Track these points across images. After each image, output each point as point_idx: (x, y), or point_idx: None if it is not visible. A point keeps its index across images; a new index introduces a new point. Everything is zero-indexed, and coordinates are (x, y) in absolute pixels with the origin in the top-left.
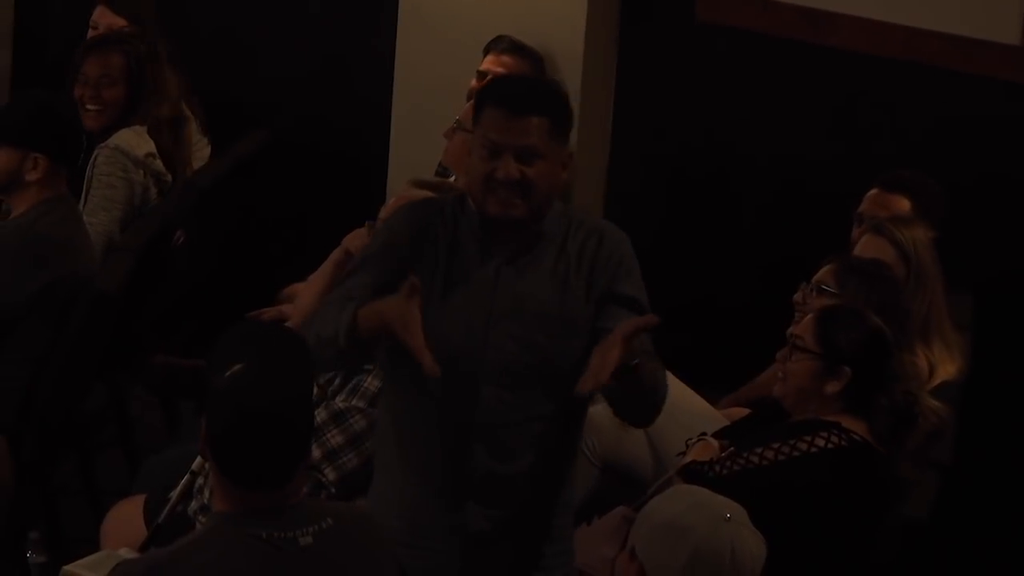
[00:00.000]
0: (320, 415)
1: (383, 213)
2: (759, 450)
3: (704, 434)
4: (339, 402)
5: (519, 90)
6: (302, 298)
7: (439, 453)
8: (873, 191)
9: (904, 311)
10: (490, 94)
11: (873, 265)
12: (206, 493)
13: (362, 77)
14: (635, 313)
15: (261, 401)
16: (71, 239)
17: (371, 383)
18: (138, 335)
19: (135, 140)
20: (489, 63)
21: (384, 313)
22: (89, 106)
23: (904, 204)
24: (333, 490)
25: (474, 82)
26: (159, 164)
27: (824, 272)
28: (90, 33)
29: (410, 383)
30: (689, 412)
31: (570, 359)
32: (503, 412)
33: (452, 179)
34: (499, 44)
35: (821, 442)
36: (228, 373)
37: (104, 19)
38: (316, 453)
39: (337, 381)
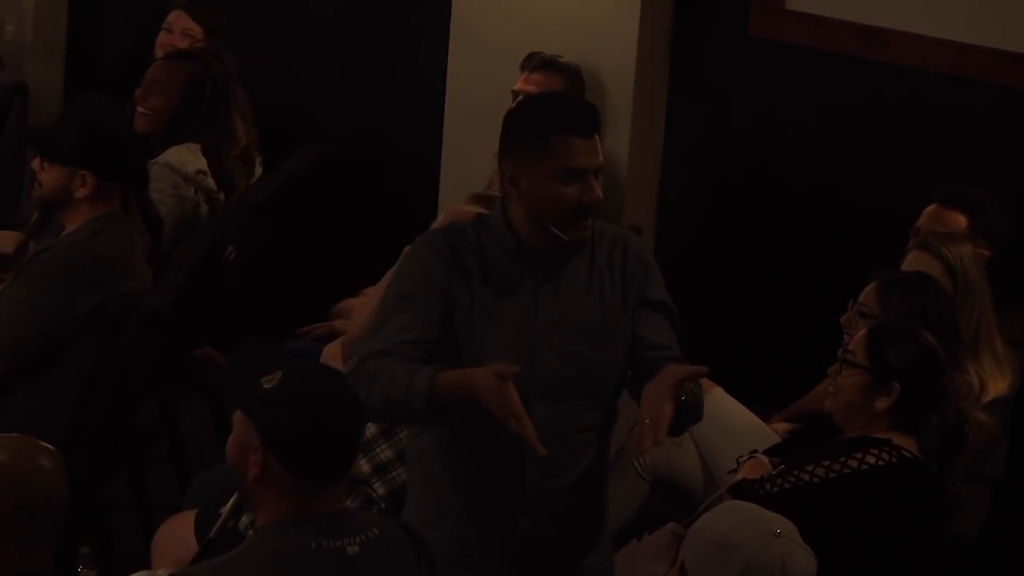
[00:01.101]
0: (370, 430)
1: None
2: (810, 467)
3: (755, 451)
4: (369, 429)
5: (586, 113)
6: (359, 313)
7: (490, 472)
8: (931, 206)
9: (953, 326)
10: (569, 123)
11: (918, 278)
12: None
13: (414, 93)
14: (666, 317)
15: (323, 387)
16: (123, 257)
17: None
18: (190, 351)
19: (186, 157)
20: (520, 83)
21: (476, 390)
22: (140, 108)
23: (961, 221)
24: (383, 504)
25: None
26: (210, 182)
27: (866, 293)
28: (163, 36)
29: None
30: (740, 428)
31: (614, 368)
32: (553, 426)
33: None
34: (530, 63)
35: (872, 459)
36: (274, 378)
37: (180, 23)
38: (365, 467)
39: None
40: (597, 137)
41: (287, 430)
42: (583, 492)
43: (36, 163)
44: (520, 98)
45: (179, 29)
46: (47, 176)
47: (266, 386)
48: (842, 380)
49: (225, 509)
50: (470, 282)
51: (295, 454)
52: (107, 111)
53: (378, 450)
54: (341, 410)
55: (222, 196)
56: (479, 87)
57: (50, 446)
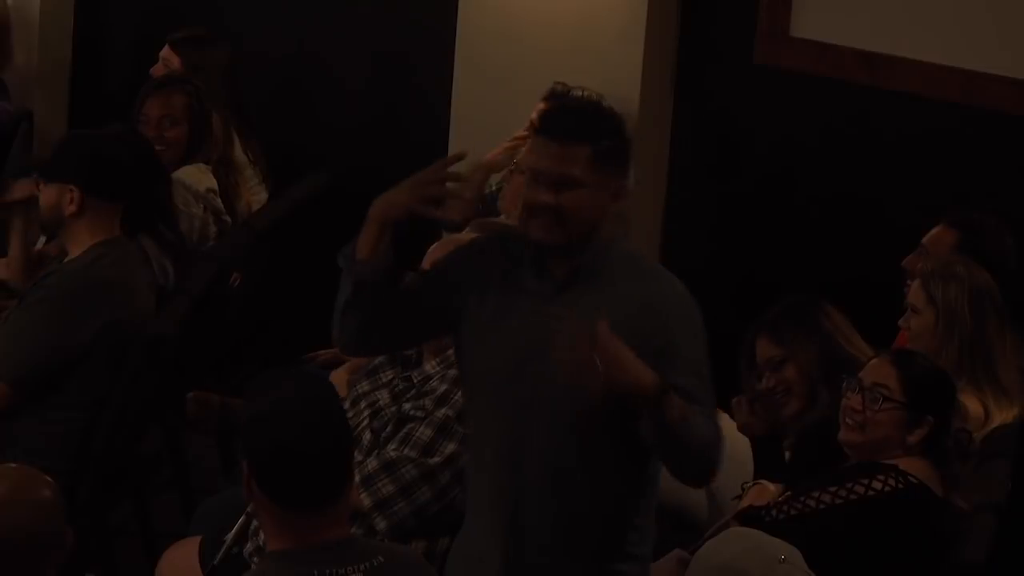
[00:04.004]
0: (371, 464)
1: (430, 253)
2: (816, 494)
3: (761, 477)
4: (390, 451)
5: (566, 119)
6: None
7: (494, 482)
8: (938, 227)
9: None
10: (540, 122)
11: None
12: (261, 535)
13: (417, 125)
14: (687, 398)
15: (301, 415)
16: (125, 282)
17: (423, 432)
18: (194, 378)
19: (197, 175)
20: (535, 112)
21: (375, 212)
22: (158, 146)
23: (949, 239)
24: (385, 540)
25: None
26: (219, 201)
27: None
28: (159, 67)
29: (474, 413)
30: (745, 455)
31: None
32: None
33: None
34: (544, 94)
35: (879, 485)
36: (260, 403)
37: (168, 56)
38: (367, 502)
39: (388, 429)
40: (582, 148)
41: (259, 456)
42: (590, 504)
43: (36, 186)
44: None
45: (166, 64)
46: (43, 196)
47: (251, 409)
48: (877, 416)
49: (229, 536)
50: (486, 286)
51: (267, 479)
52: (110, 135)
53: (379, 485)
54: (312, 434)
55: (229, 218)
56: (483, 118)
57: (49, 478)
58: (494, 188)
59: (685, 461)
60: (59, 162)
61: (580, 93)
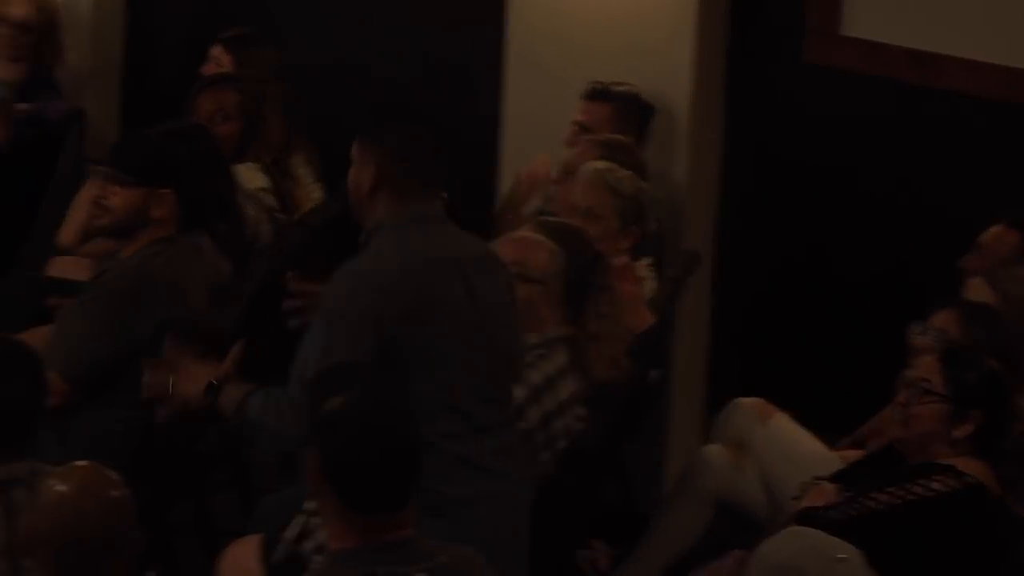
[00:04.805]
0: None
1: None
2: (874, 494)
3: (819, 478)
4: None
5: None
6: None
7: None
8: (998, 227)
9: (1014, 353)
10: None
11: (985, 309)
12: (322, 532)
13: (468, 125)
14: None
15: (376, 418)
16: (178, 280)
17: None
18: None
19: (247, 175)
20: (577, 112)
21: None
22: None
23: (1013, 241)
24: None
25: (570, 131)
26: (271, 199)
27: (943, 319)
28: (210, 67)
29: None
30: (804, 454)
31: None
32: None
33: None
34: (585, 92)
35: (937, 485)
36: (335, 402)
37: (218, 56)
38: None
39: None
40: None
41: (338, 458)
42: None
43: (102, 189)
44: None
45: (216, 63)
46: (119, 199)
47: (326, 410)
48: (918, 410)
49: (289, 534)
50: None
51: (343, 483)
52: (171, 131)
53: None
54: (396, 442)
55: (283, 215)
56: (536, 116)
57: (117, 476)
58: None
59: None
60: (148, 164)
61: (622, 89)
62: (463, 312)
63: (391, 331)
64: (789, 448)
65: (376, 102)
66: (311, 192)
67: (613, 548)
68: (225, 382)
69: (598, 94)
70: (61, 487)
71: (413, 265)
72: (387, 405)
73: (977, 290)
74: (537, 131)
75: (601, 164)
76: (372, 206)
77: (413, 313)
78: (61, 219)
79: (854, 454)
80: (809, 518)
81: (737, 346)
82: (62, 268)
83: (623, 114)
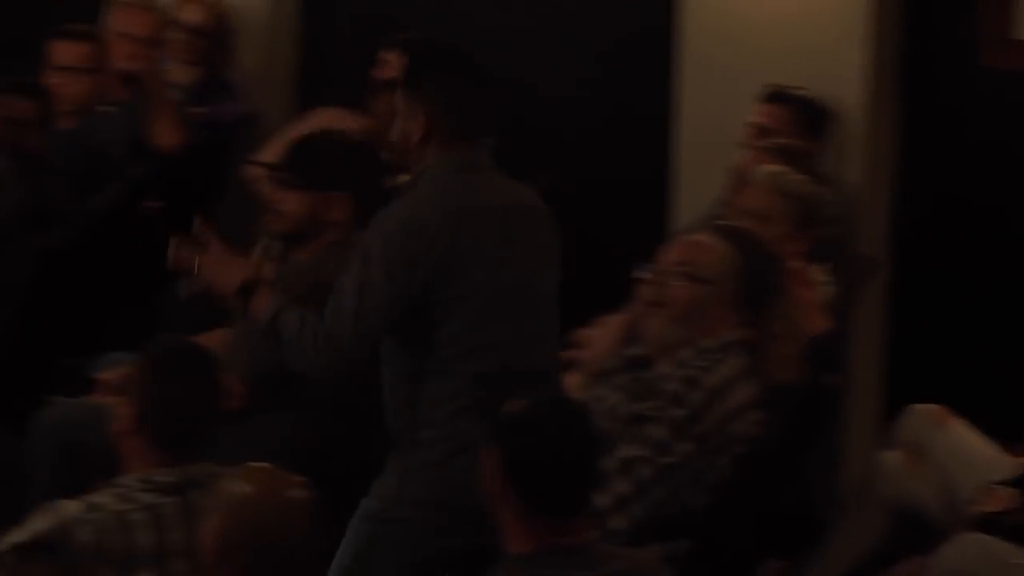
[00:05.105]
0: (607, 463)
1: (673, 257)
2: None
3: (996, 483)
4: (625, 451)
5: None
6: (596, 343)
7: None
8: None
9: None
10: None
11: None
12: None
13: (639, 129)
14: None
15: (565, 420)
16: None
17: (656, 431)
18: None
19: None
20: (753, 114)
21: None
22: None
23: None
24: (622, 539)
25: (747, 133)
26: None
27: None
28: (383, 70)
29: None
30: (981, 460)
31: None
32: None
33: None
34: (762, 94)
35: None
36: (519, 404)
37: (391, 59)
38: (605, 501)
39: (622, 429)
40: None
41: (523, 459)
42: None
43: (274, 194)
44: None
45: (389, 66)
46: (293, 204)
47: (509, 412)
48: None
49: None
50: None
51: (528, 484)
52: (347, 136)
53: (614, 484)
54: (580, 444)
55: None
56: (707, 119)
57: (299, 478)
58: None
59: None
60: (321, 169)
61: (800, 93)
62: (500, 259)
63: (426, 276)
64: (966, 453)
65: (546, 104)
66: None
67: (788, 554)
68: (256, 286)
69: (776, 97)
70: (242, 489)
71: (452, 211)
72: (572, 408)
73: None
74: (709, 134)
75: (774, 167)
76: (421, 155)
77: (449, 258)
78: (235, 221)
79: None
80: (986, 523)
81: (913, 352)
82: None
83: (801, 117)
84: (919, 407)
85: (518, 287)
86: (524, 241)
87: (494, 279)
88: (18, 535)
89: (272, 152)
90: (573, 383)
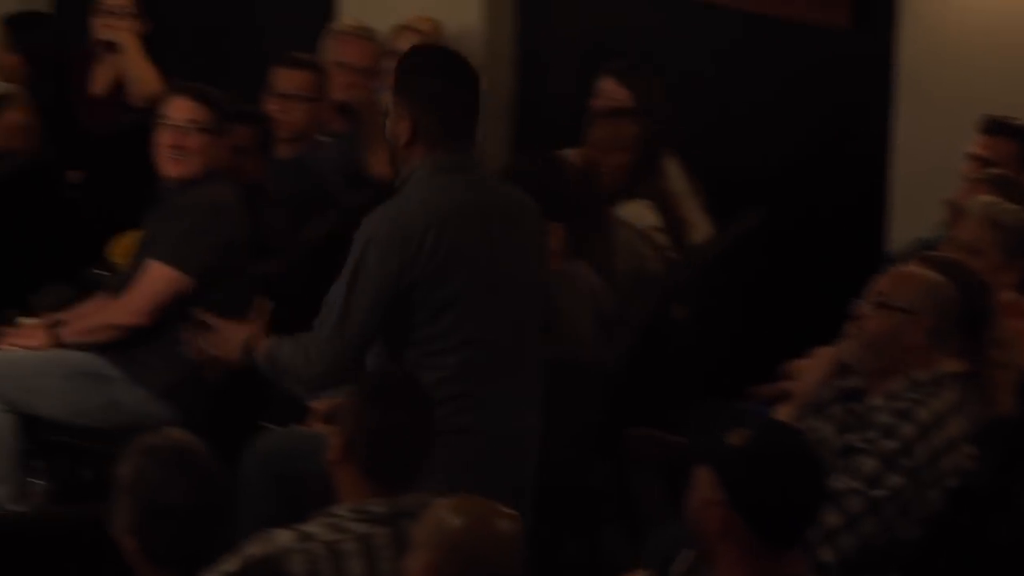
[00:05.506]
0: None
1: (879, 287)
2: None
3: None
4: (836, 482)
5: None
6: (808, 374)
7: None
8: None
9: None
10: None
11: None
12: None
13: (855, 156)
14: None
15: (792, 451)
16: (565, 311)
17: (867, 463)
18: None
19: (639, 212)
20: (974, 145)
21: None
22: (600, 168)
23: None
24: (831, 572)
25: (965, 166)
26: (662, 238)
27: None
28: (600, 99)
29: None
30: None
31: None
32: None
33: None
34: (982, 125)
35: None
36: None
37: (608, 88)
38: (813, 533)
39: (833, 461)
40: None
41: (754, 490)
42: None
43: None
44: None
45: (607, 94)
46: None
47: (733, 444)
48: None
49: (677, 569)
50: None
51: (759, 515)
52: (547, 165)
53: (826, 515)
54: (807, 476)
55: (674, 254)
56: (926, 146)
57: (509, 511)
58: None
59: (286, 385)
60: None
61: (1019, 124)
62: (485, 256)
63: (413, 278)
64: None
65: (760, 130)
66: (699, 227)
67: None
68: (257, 339)
69: (997, 128)
70: (453, 520)
71: (436, 214)
72: (796, 438)
73: None
74: (928, 164)
75: (987, 198)
76: (409, 156)
77: (435, 260)
78: None
79: None
80: None
81: None
82: None
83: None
84: None
85: (502, 282)
86: (508, 238)
87: (479, 276)
88: (231, 564)
89: None
90: (785, 414)
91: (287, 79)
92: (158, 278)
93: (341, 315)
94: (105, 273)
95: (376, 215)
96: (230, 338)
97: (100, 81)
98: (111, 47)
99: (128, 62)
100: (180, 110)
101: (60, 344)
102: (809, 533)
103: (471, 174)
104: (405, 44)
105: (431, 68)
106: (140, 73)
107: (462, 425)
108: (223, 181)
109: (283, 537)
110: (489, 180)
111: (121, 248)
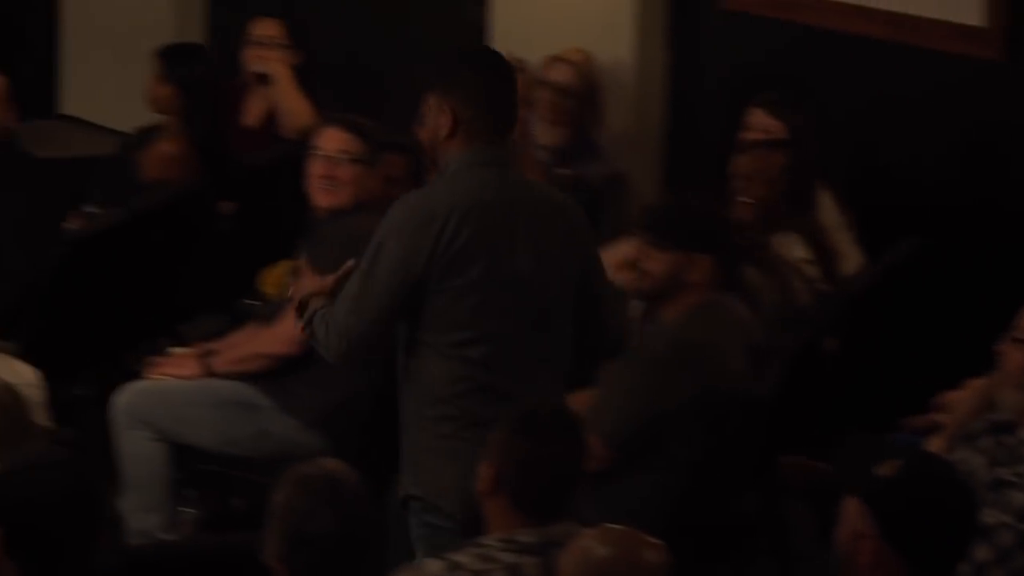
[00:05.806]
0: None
1: (1019, 322)
2: None
3: None
4: (987, 517)
5: None
6: (960, 407)
7: None
8: None
9: None
10: None
11: None
12: None
13: (1010, 189)
14: None
15: (944, 481)
16: (718, 344)
17: (1018, 497)
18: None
19: (788, 244)
20: None
21: None
22: (742, 198)
23: None
24: None
25: None
26: (812, 270)
27: None
28: (750, 132)
29: None
30: None
31: None
32: None
33: None
34: None
35: None
36: (891, 467)
37: (758, 120)
38: (964, 568)
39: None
40: None
41: (907, 523)
42: None
43: (640, 253)
44: None
45: (757, 127)
46: (656, 264)
47: (884, 475)
48: None
49: None
50: None
51: (912, 548)
52: (695, 197)
53: (975, 550)
54: (960, 508)
55: (824, 286)
56: None
57: (655, 541)
58: None
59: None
60: (687, 232)
61: None
62: (507, 251)
63: (430, 265)
64: None
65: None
66: (851, 258)
67: None
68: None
69: None
70: (600, 550)
71: (459, 204)
72: (943, 469)
73: None
74: None
75: None
76: (448, 150)
77: (454, 249)
78: None
79: None
80: None
81: None
82: None
83: None
84: None
85: (526, 278)
86: (535, 234)
87: (499, 268)
88: None
89: None
90: (936, 446)
91: None
92: None
93: (358, 294)
94: (256, 303)
95: (403, 200)
96: (308, 287)
97: (252, 113)
98: (263, 79)
99: (280, 93)
100: (332, 141)
101: (211, 374)
102: (959, 568)
103: (505, 168)
104: (556, 75)
105: (472, 64)
106: (292, 104)
107: (487, 417)
108: (374, 211)
109: (433, 567)
110: (524, 177)
111: (272, 278)
